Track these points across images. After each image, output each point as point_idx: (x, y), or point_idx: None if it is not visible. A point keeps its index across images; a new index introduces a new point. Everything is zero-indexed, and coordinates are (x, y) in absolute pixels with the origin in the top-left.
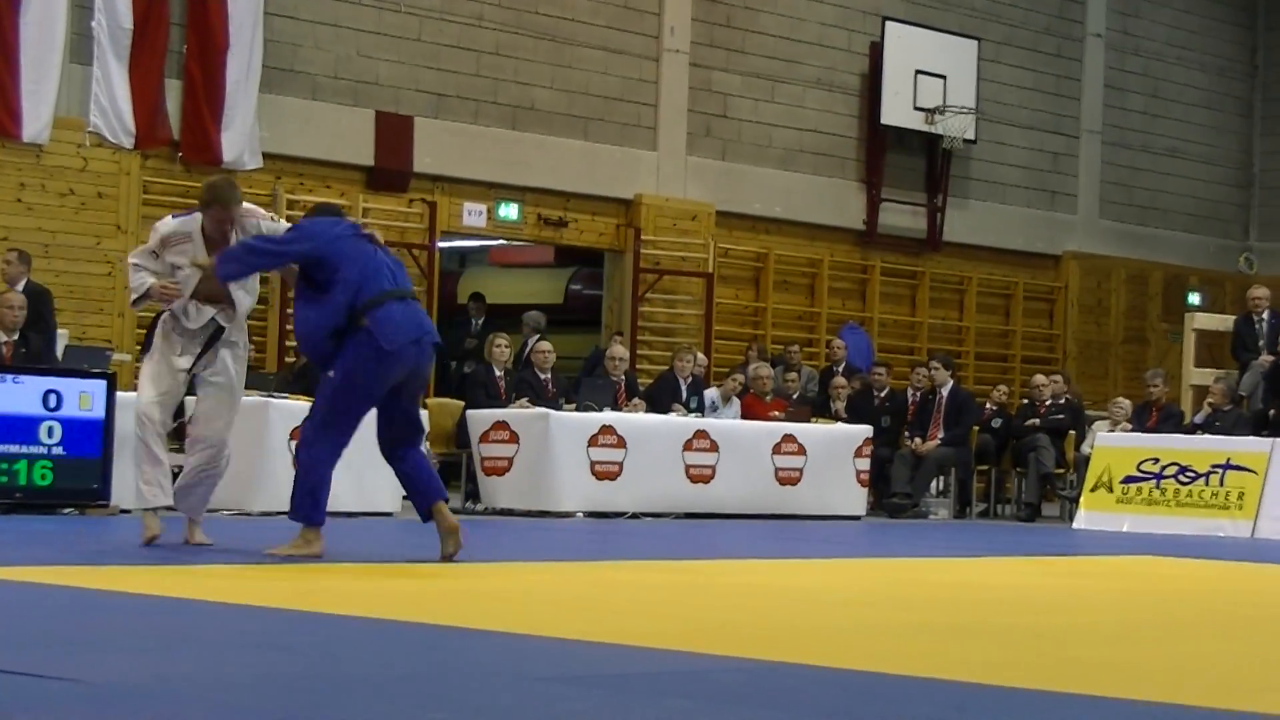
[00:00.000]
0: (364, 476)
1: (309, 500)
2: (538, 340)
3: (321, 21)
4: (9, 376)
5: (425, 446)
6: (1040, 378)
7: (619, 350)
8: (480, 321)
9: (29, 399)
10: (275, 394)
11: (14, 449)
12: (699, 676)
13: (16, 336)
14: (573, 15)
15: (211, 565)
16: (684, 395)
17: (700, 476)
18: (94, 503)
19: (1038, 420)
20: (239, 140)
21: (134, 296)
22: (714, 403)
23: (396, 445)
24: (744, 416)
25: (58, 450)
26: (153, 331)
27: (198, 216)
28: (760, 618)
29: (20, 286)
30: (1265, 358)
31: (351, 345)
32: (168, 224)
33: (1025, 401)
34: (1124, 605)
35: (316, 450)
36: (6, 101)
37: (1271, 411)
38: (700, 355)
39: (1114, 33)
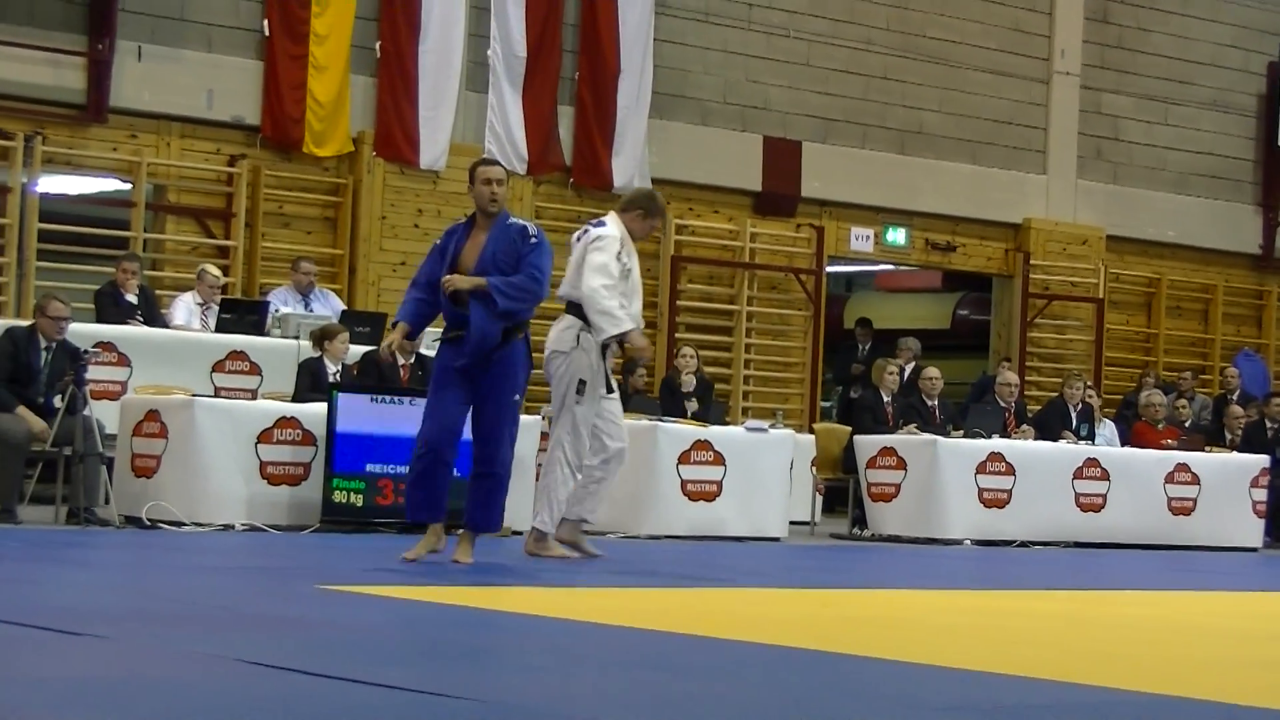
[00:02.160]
0: (752, 501)
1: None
2: (923, 366)
3: (710, 47)
4: (406, 399)
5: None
6: None
7: (1010, 376)
8: (867, 346)
9: None
10: (663, 418)
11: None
12: (1097, 709)
13: (413, 360)
14: (962, 38)
15: (599, 587)
16: (1074, 423)
17: (1090, 505)
18: None
19: None
20: (629, 165)
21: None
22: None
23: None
24: (1136, 444)
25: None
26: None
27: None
28: (1157, 650)
29: None
30: None
31: (521, 362)
32: (610, 230)
33: None
34: None
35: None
36: (405, 129)
37: None
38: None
39: None
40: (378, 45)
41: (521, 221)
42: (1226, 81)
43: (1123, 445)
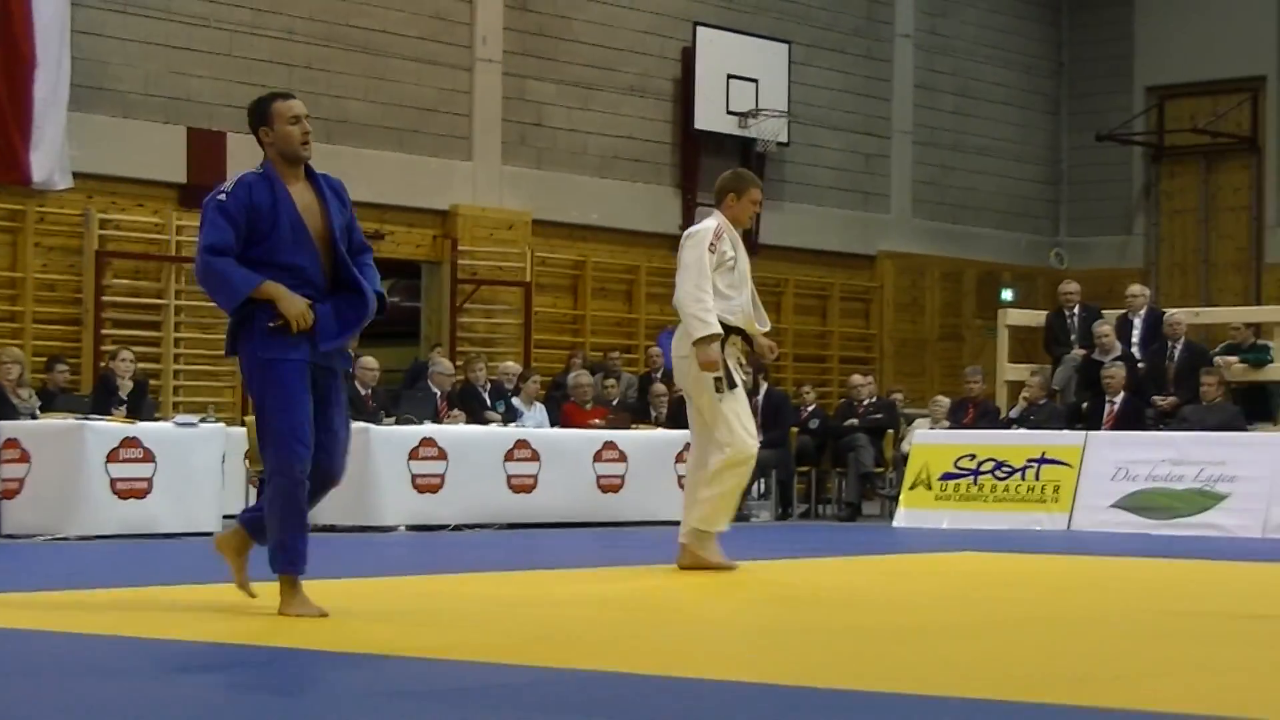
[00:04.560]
0: (184, 497)
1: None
2: (360, 355)
3: (130, 39)
4: None
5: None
6: (858, 377)
7: (447, 365)
8: None
9: None
10: (90, 417)
11: None
12: (533, 689)
13: None
14: (385, 27)
15: (42, 591)
16: (489, 402)
17: (522, 486)
18: None
19: (856, 420)
20: (49, 160)
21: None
22: (520, 409)
23: None
24: (565, 425)
25: None
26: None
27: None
28: (590, 628)
29: None
30: (1077, 351)
31: None
32: (706, 223)
33: (843, 401)
34: (947, 602)
35: None
36: None
37: (1084, 404)
38: (511, 363)
39: (922, 33)
40: None
41: (320, 173)
42: (645, 67)
43: (553, 426)
